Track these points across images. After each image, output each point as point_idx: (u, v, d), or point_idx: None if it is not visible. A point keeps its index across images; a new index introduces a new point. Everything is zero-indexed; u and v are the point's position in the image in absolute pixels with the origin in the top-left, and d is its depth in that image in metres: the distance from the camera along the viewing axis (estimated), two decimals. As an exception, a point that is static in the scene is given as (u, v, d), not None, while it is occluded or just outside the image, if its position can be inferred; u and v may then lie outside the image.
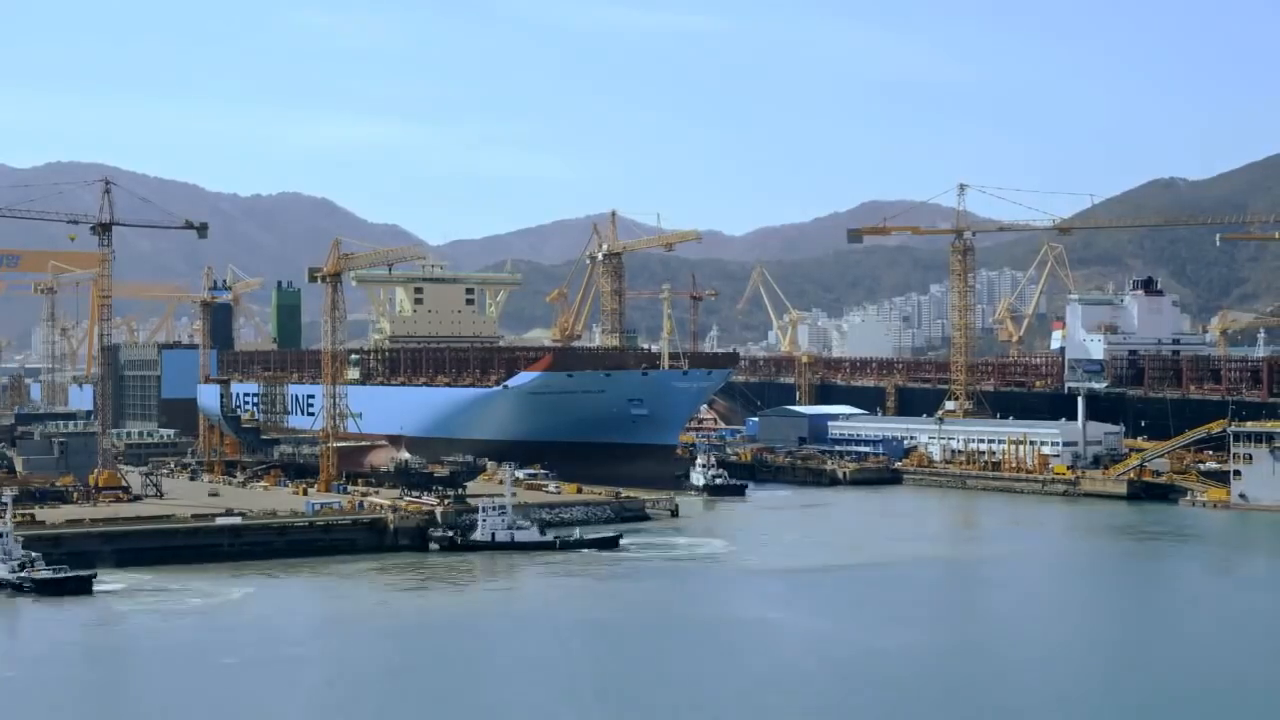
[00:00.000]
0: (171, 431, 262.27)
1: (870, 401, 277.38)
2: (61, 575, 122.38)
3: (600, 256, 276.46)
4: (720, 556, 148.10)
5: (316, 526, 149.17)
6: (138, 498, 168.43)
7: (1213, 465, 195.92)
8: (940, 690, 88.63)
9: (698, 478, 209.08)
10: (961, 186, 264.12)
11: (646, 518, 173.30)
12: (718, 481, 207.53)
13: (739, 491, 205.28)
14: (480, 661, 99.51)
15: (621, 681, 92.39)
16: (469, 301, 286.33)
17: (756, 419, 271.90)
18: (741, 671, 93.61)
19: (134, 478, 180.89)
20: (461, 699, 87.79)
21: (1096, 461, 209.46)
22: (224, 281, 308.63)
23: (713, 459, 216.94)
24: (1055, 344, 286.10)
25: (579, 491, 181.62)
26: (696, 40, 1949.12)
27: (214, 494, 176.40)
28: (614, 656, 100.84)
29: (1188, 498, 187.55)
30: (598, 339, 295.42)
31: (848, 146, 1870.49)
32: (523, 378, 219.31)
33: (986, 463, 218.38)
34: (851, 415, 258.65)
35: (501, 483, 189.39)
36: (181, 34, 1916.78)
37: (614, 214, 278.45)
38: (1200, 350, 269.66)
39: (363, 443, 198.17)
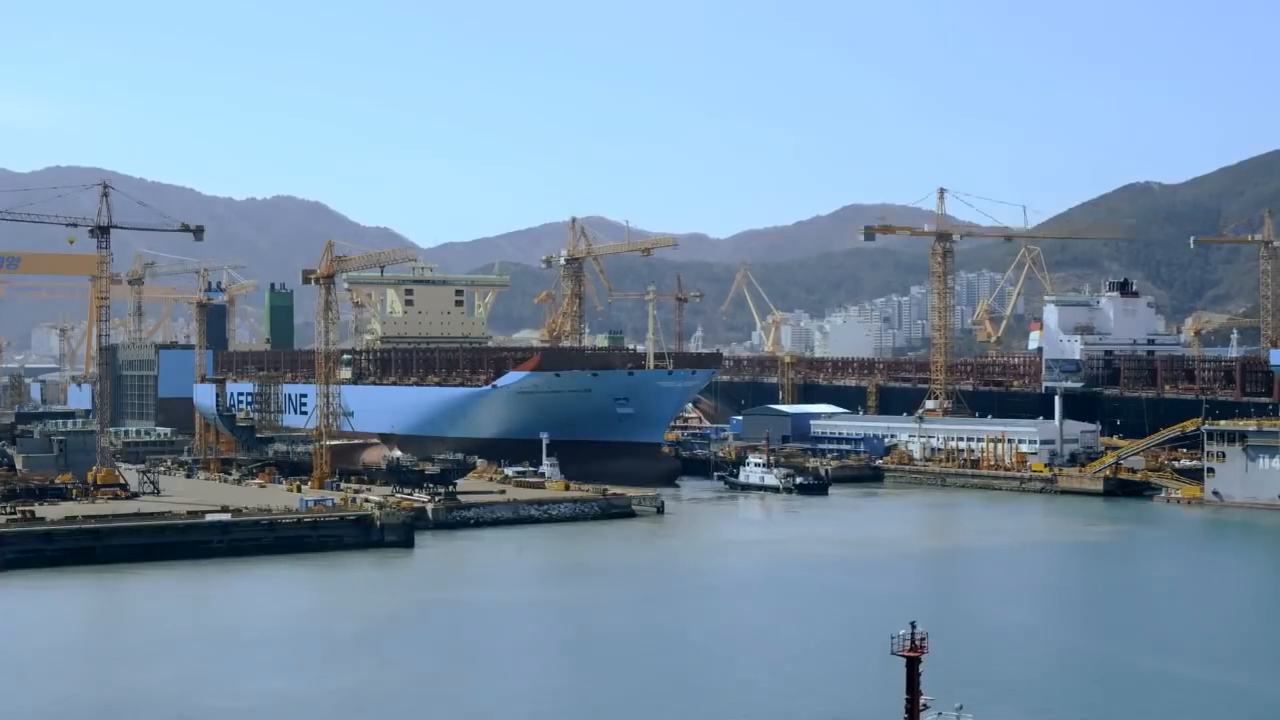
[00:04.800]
0: (168, 430, 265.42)
1: (852, 401, 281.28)
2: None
3: (564, 260, 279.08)
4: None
5: (305, 523, 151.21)
6: (135, 495, 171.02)
7: (1187, 463, 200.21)
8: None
9: (763, 477, 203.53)
10: (942, 191, 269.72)
11: (633, 514, 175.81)
12: (798, 480, 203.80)
13: (823, 490, 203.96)
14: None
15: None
16: (458, 303, 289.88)
17: (741, 418, 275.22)
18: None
19: (131, 475, 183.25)
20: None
21: (1073, 459, 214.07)
22: (219, 283, 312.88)
23: (768, 458, 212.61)
24: (1033, 344, 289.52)
25: (567, 488, 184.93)
26: (688, 42, 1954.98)
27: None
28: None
29: (1162, 495, 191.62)
30: (586, 339, 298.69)
31: (831, 150, 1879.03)
32: (511, 377, 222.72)
33: (966, 460, 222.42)
34: (834, 414, 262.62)
35: (491, 480, 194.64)
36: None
37: (573, 220, 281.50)
38: (1175, 351, 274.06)
39: (355, 441, 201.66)
